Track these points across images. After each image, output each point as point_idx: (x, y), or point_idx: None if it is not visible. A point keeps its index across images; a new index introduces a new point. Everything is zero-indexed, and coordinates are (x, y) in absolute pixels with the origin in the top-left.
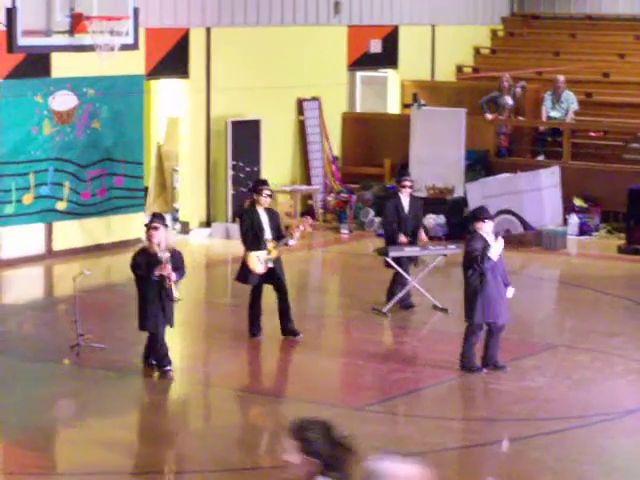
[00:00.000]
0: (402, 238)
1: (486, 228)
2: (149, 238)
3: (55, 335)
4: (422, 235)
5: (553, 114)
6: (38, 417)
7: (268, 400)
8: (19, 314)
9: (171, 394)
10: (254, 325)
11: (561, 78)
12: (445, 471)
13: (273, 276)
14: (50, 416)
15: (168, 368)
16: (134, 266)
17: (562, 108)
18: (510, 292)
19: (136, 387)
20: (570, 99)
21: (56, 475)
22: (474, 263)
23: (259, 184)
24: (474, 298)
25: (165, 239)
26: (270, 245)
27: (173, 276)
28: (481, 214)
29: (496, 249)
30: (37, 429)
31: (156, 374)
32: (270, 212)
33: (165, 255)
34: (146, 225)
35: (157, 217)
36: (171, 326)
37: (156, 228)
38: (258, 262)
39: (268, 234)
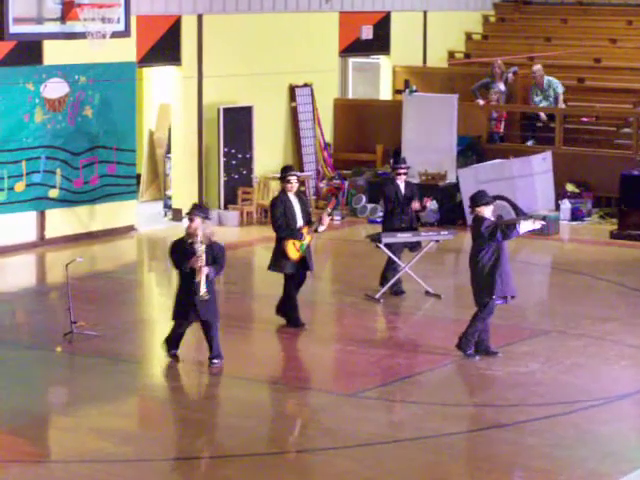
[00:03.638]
0: (415, 205)
1: (487, 212)
2: (189, 228)
3: (48, 323)
4: (415, 204)
5: (543, 105)
6: (31, 405)
7: (262, 387)
8: (11, 302)
9: (165, 381)
10: (295, 316)
11: (536, 67)
12: (439, 457)
13: (304, 264)
14: (43, 404)
15: (173, 352)
16: (171, 253)
17: (549, 95)
18: None
19: (129, 374)
20: (553, 84)
21: (49, 463)
22: (507, 231)
23: (285, 171)
24: (493, 274)
25: (202, 231)
26: (304, 231)
27: (205, 270)
28: (482, 199)
29: (527, 225)
30: (30, 417)
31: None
32: (300, 198)
33: (200, 248)
34: (187, 215)
35: (197, 208)
36: (200, 319)
37: (192, 219)
38: (295, 249)
39: (301, 220)
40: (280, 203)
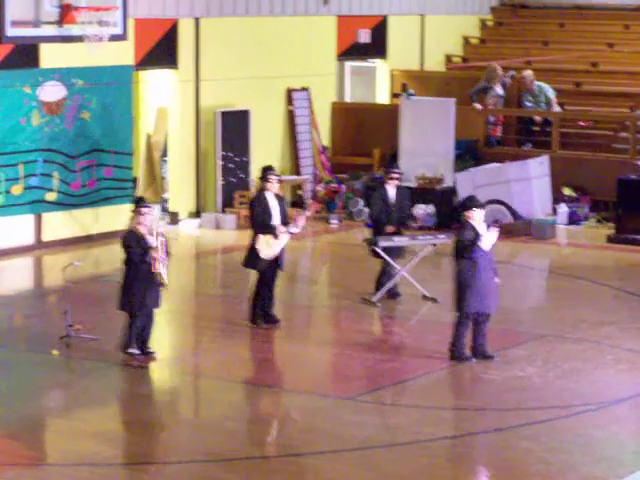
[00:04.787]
0: (389, 229)
1: (476, 217)
2: (140, 222)
3: (45, 326)
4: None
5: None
6: (27, 408)
7: (258, 390)
8: (8, 305)
9: (160, 384)
10: (256, 313)
11: (526, 73)
12: (435, 461)
13: (276, 262)
14: (39, 407)
15: (149, 350)
16: (128, 246)
17: (540, 101)
18: (495, 282)
19: (125, 378)
20: (544, 89)
21: (45, 466)
22: (464, 252)
23: (266, 170)
24: (465, 289)
25: (150, 223)
26: (279, 230)
27: (164, 261)
28: (470, 203)
29: (488, 240)
30: (26, 420)
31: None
32: (279, 198)
33: (160, 240)
34: (135, 209)
35: (143, 200)
36: (157, 307)
37: (141, 213)
38: (268, 247)
39: (277, 220)
40: (259, 202)
